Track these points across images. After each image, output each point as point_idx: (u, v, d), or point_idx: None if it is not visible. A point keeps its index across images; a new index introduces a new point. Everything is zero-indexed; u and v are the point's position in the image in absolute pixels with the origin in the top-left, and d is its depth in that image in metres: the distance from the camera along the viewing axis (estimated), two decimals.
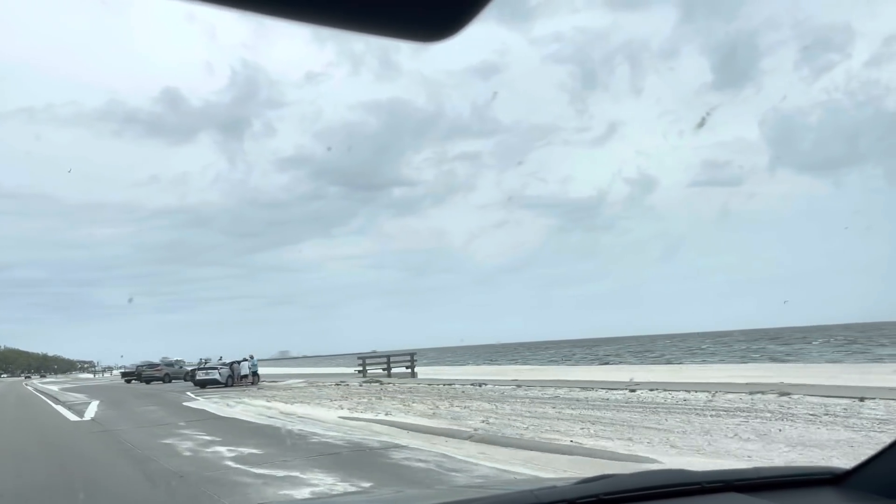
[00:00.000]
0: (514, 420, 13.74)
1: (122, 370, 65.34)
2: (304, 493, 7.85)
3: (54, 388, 51.83)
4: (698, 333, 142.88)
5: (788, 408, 13.18)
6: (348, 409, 18.34)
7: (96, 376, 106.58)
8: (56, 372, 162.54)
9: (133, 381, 54.00)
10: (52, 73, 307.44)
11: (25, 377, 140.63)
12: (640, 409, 14.48)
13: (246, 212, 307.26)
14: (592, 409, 14.95)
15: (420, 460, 9.65)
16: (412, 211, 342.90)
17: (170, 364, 53.17)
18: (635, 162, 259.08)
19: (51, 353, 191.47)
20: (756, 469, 1.94)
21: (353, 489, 8.03)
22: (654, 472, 1.97)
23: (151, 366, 53.22)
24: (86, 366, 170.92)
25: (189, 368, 52.79)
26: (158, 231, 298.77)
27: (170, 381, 48.47)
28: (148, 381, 49.79)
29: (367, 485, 8.14)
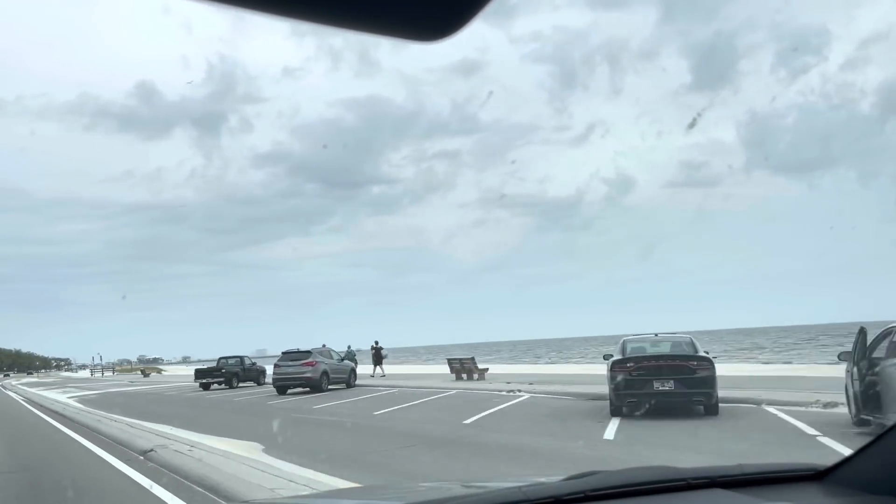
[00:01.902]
0: None
1: (196, 367, 37.66)
2: None
3: (63, 397, 29.81)
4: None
5: None
6: None
7: (94, 374, 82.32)
8: (37, 369, 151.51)
9: (214, 386, 31.40)
10: (22, 64, 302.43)
11: (4, 375, 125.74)
12: None
13: (222, 208, 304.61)
14: None
15: None
16: (391, 209, 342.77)
17: (324, 352, 27.34)
18: (614, 162, 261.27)
19: (24, 350, 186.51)
20: (740, 465, 1.97)
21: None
22: (641, 468, 1.99)
23: (295, 356, 26.58)
24: (62, 363, 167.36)
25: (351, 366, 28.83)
26: (131, 227, 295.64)
27: (326, 388, 25.89)
28: (282, 389, 25.96)
29: None
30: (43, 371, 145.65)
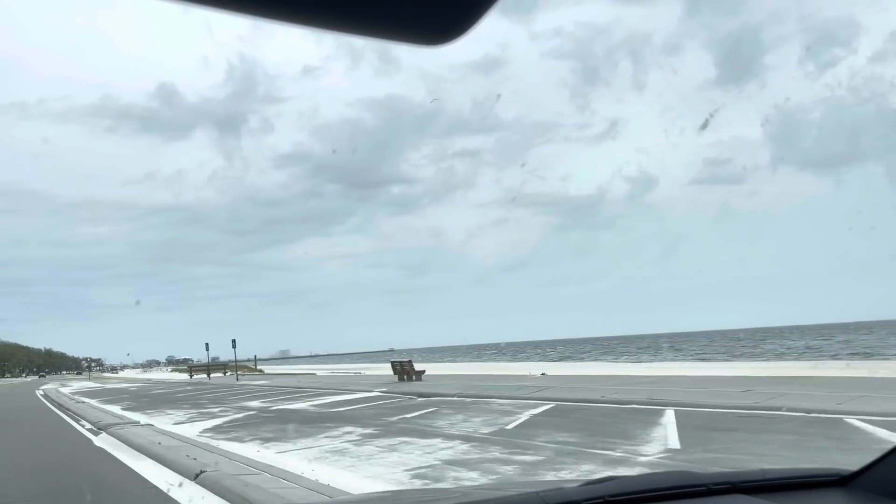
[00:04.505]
0: None
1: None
2: None
3: None
4: (703, 333, 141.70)
5: None
6: None
7: (196, 377, 52.28)
8: (81, 371, 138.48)
9: None
10: (44, 67, 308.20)
11: (40, 376, 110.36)
12: None
13: (243, 210, 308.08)
14: None
15: None
16: (411, 209, 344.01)
17: None
18: (636, 159, 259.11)
19: (54, 350, 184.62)
20: (762, 470, 1.93)
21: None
22: (660, 473, 1.96)
23: None
24: (93, 364, 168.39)
25: None
26: (154, 229, 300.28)
27: None
28: None
29: None
30: (62, 372, 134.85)
